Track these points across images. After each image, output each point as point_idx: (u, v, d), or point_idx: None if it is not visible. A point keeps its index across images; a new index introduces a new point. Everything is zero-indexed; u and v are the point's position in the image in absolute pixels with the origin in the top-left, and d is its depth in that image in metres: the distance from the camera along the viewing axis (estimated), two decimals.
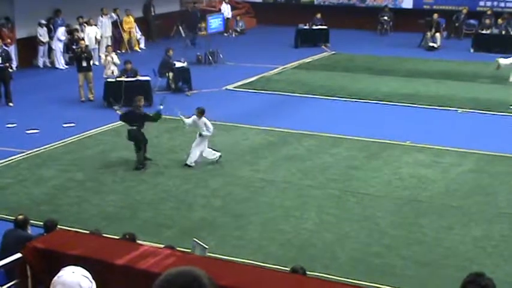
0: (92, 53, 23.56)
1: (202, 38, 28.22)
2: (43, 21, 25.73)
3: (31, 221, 10.27)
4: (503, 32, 29.47)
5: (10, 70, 21.42)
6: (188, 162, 15.42)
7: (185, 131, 16.63)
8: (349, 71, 25.59)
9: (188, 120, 15.70)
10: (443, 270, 10.89)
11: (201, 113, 15.49)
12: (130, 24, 29.52)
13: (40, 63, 26.21)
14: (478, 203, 13.58)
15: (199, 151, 15.43)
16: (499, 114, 19.77)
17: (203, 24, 28.91)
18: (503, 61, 23.24)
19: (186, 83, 22.52)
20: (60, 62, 25.97)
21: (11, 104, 20.54)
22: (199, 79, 22.74)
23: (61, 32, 25.87)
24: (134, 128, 15.44)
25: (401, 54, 28.36)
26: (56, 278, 4.11)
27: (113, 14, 28.68)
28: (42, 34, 25.78)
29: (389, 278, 10.65)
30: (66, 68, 25.64)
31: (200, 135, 15.47)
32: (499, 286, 5.07)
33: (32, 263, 6.50)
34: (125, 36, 29.31)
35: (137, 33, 30.00)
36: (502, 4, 32.07)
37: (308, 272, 8.80)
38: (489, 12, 30.97)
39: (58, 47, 25.95)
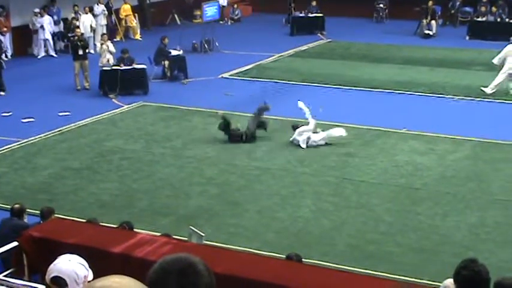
0: (88, 41, 23.51)
1: (197, 26, 28.13)
2: (37, 10, 25.64)
3: (27, 210, 10.28)
4: (498, 20, 29.44)
5: (5, 59, 21.36)
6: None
7: (181, 120, 16.62)
8: (345, 59, 25.55)
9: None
10: (438, 257, 10.93)
11: None
12: (127, 11, 29.33)
13: (35, 51, 26.13)
14: (473, 190, 13.62)
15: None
16: (494, 102, 19.78)
17: (198, 12, 28.81)
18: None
19: (181, 71, 22.46)
20: (51, 50, 25.85)
21: (2, 93, 20.49)
22: (195, 67, 22.69)
23: (47, 22, 25.71)
24: None
25: (397, 42, 28.30)
26: (51, 265, 4.13)
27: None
28: (37, 23, 25.67)
29: (385, 265, 10.69)
30: (56, 57, 25.56)
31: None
32: (492, 272, 5.13)
33: (28, 252, 6.54)
34: (122, 24, 29.16)
35: (134, 21, 29.84)
36: None
37: (305, 260, 8.83)
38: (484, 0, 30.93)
39: (48, 35, 25.77)
